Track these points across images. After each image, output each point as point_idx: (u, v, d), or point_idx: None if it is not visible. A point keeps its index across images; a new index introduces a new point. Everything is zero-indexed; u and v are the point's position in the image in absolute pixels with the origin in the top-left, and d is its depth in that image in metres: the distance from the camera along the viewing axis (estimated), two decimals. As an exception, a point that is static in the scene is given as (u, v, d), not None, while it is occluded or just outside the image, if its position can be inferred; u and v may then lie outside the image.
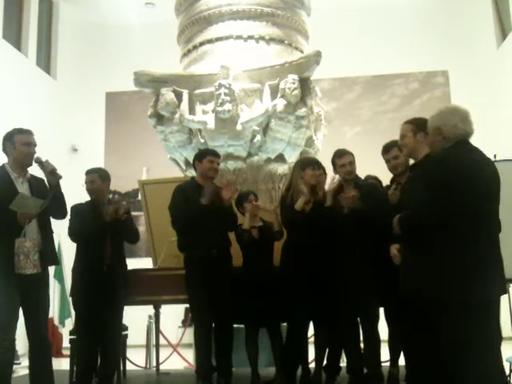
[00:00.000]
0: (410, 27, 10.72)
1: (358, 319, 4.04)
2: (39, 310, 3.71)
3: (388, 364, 4.30)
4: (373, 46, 10.68)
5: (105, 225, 4.23)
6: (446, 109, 3.03)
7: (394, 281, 3.22)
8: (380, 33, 10.79)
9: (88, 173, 4.44)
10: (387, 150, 4.01)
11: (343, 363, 4.26)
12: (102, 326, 4.15)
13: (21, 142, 3.72)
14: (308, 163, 4.19)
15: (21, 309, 3.64)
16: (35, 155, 3.78)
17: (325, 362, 4.21)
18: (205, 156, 4.34)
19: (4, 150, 3.79)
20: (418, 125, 3.34)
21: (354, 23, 10.87)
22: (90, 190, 4.40)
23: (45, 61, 11.01)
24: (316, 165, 4.17)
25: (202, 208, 4.09)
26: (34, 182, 3.82)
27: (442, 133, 2.92)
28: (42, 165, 3.77)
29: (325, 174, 4.26)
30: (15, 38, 9.96)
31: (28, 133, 3.78)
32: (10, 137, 3.75)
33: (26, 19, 10.26)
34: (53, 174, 3.77)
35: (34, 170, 3.90)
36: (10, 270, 3.49)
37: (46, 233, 3.79)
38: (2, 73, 8.97)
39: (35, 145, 3.79)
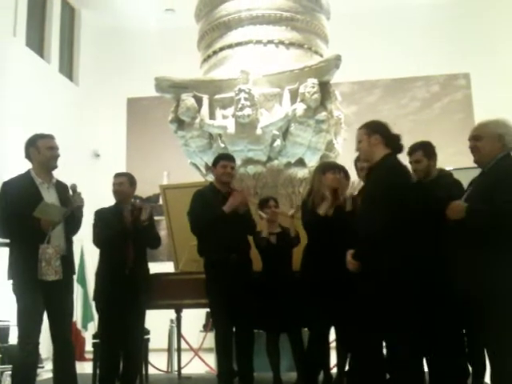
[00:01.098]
0: (430, 29, 10.63)
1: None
2: (63, 314, 3.75)
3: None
4: (392, 49, 10.63)
5: (127, 229, 4.27)
6: (503, 119, 3.15)
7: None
8: (400, 35, 10.74)
9: (118, 175, 4.49)
10: (410, 152, 3.98)
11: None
12: (125, 330, 4.18)
13: (44, 147, 3.77)
14: (329, 167, 4.18)
15: (45, 313, 3.69)
16: (72, 183, 3.84)
17: (347, 368, 4.19)
18: (218, 161, 4.36)
19: (27, 155, 3.83)
20: (372, 128, 3.40)
21: (373, 26, 10.83)
22: (117, 192, 4.42)
23: (67, 67, 11.17)
24: (337, 168, 4.15)
25: (220, 214, 4.11)
26: (60, 187, 3.87)
27: (503, 140, 3.06)
28: (74, 194, 3.83)
29: (347, 178, 4.23)
30: (38, 46, 10.13)
31: (49, 137, 3.83)
32: (33, 142, 3.79)
33: (49, 27, 10.43)
34: (78, 208, 3.83)
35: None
36: (33, 275, 3.54)
37: (71, 240, 3.85)
38: (25, 79, 9.12)
39: (58, 148, 3.85)
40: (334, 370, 4.29)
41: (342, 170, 4.16)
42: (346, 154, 5.77)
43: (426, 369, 3.57)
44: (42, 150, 3.76)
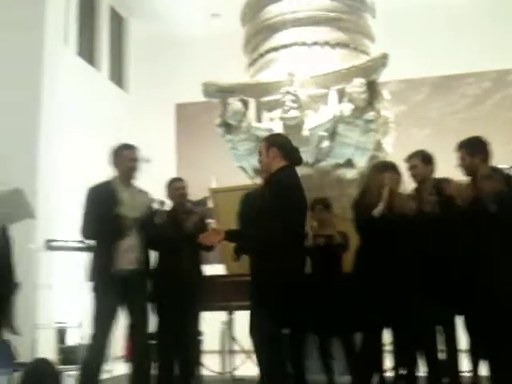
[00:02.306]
0: (479, 24, 10.34)
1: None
2: (140, 315, 3.93)
3: (468, 374, 4.17)
4: (441, 46, 10.39)
5: (184, 233, 4.37)
6: None
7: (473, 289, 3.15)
8: (448, 32, 10.49)
9: (178, 180, 4.75)
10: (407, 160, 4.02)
11: (421, 372, 4.16)
12: (181, 332, 4.25)
13: (128, 157, 4.02)
14: (388, 167, 4.12)
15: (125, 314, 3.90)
16: (161, 199, 4.21)
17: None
18: None
19: (112, 163, 4.06)
20: (269, 141, 3.61)
21: (420, 23, 10.61)
22: (182, 196, 4.65)
23: (117, 75, 11.42)
24: (396, 169, 4.12)
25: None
26: (139, 193, 4.09)
27: None
28: (158, 210, 4.14)
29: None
30: (89, 55, 10.40)
31: (133, 148, 4.08)
32: (118, 151, 4.04)
33: (98, 35, 10.70)
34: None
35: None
36: (110, 276, 3.71)
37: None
38: (78, 88, 9.37)
39: (138, 160, 4.08)
40: (389, 374, 4.24)
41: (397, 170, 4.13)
42: (394, 154, 5.70)
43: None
44: (125, 160, 3.98)
